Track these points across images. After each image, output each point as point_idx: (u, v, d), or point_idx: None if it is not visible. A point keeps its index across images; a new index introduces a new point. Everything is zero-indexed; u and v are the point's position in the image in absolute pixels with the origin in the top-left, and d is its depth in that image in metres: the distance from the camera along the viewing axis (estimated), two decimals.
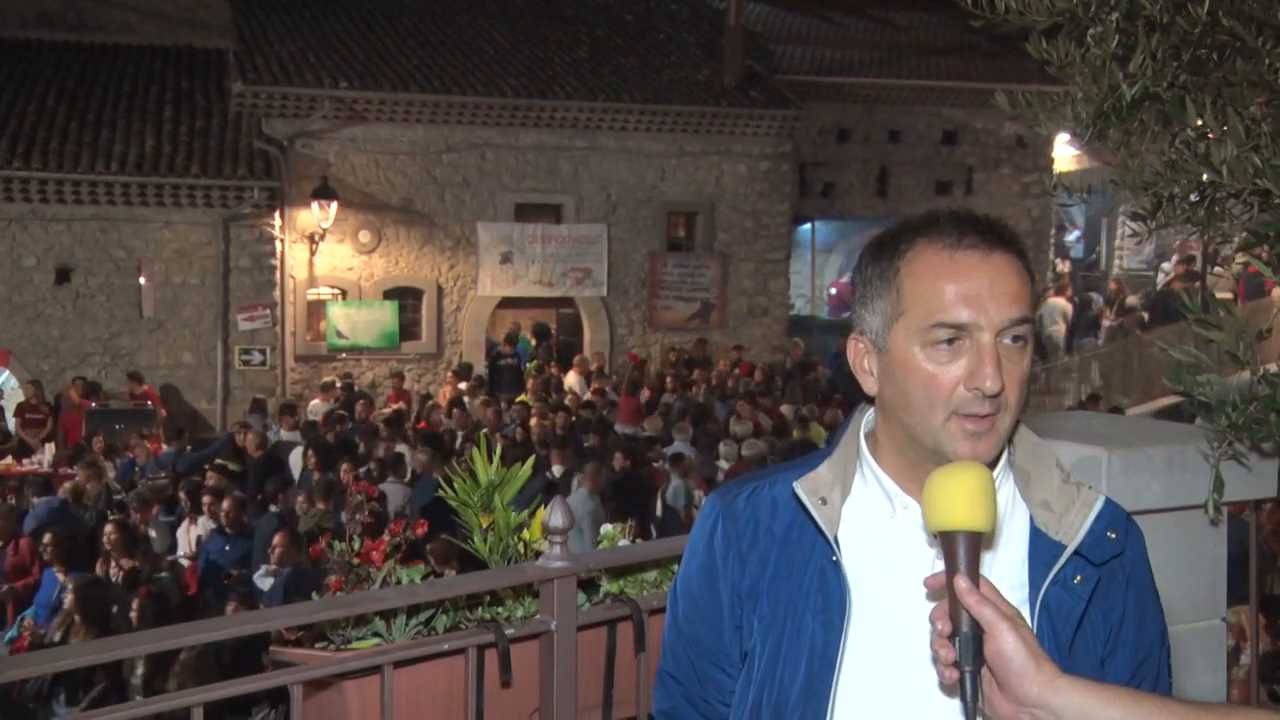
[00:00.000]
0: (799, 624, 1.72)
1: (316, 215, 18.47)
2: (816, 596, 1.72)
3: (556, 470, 12.02)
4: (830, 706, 1.68)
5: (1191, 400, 2.92)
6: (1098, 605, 1.71)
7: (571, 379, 18.23)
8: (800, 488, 1.76)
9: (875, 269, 1.72)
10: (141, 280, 17.73)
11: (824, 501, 1.74)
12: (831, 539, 1.72)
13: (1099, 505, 1.73)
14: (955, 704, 1.53)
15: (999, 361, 1.62)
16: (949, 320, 1.63)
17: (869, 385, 1.75)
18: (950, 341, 1.63)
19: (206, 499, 11.39)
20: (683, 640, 1.90)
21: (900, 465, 1.73)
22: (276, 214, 18.33)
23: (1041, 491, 1.74)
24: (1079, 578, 1.69)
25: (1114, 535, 1.72)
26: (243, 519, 10.64)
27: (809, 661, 1.70)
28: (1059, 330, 21.32)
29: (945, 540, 1.52)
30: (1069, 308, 22.05)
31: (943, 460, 1.64)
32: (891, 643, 1.68)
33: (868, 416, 1.81)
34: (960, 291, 1.63)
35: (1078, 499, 1.73)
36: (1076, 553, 1.69)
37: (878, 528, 1.73)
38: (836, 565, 1.71)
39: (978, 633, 1.47)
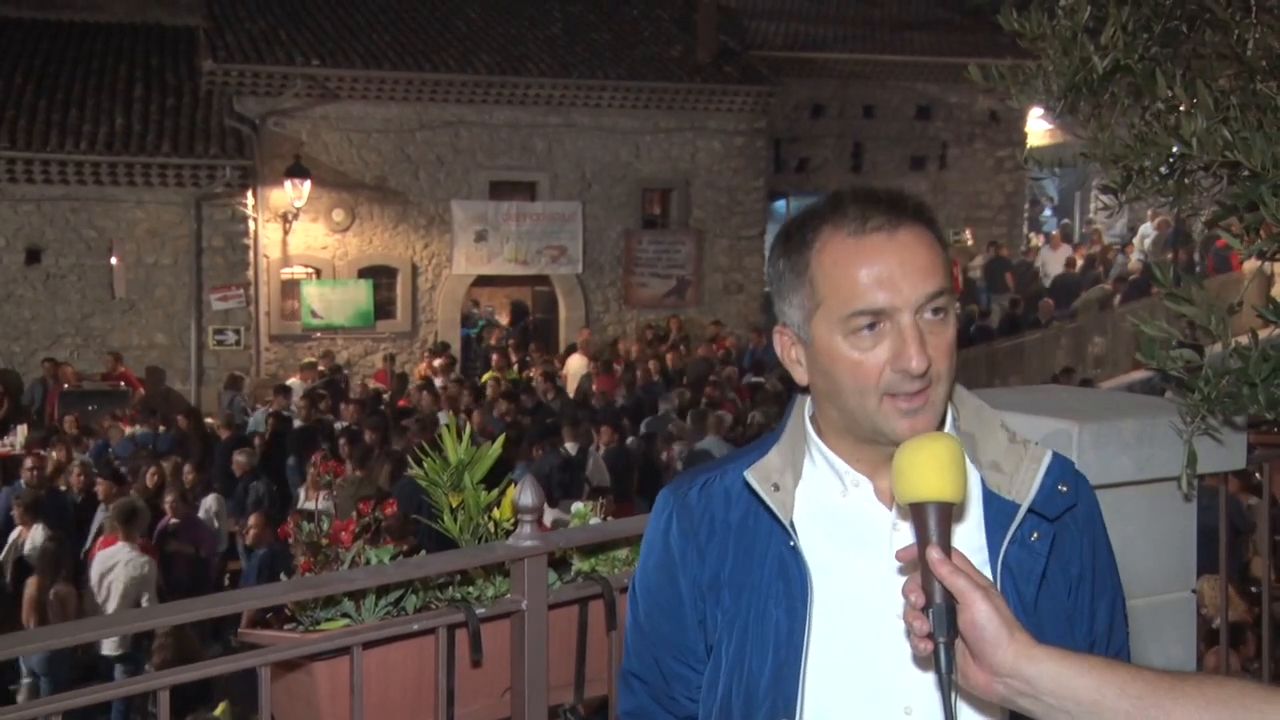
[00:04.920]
0: (762, 612, 1.72)
1: (289, 194, 18.35)
2: (778, 583, 1.71)
3: (571, 448, 11.92)
4: (800, 690, 1.67)
5: (1164, 375, 2.92)
6: (1056, 560, 1.71)
7: (576, 363, 18.01)
8: (751, 476, 1.75)
9: (787, 262, 1.71)
10: (113, 260, 17.57)
11: (776, 487, 1.73)
12: (787, 524, 1.71)
13: (1047, 460, 1.73)
14: (928, 676, 1.52)
15: (921, 339, 1.62)
16: (866, 307, 1.62)
17: (799, 376, 1.75)
18: (871, 326, 1.63)
19: None
20: (646, 639, 1.88)
21: (846, 445, 1.73)
22: (249, 193, 18.19)
23: (990, 453, 1.74)
24: (1036, 534, 1.70)
25: (1065, 489, 1.72)
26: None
27: (775, 648, 1.70)
28: None
29: (916, 512, 1.51)
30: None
31: (884, 440, 1.65)
32: (856, 621, 1.68)
33: (809, 400, 1.80)
34: (872, 275, 1.62)
35: (1026, 456, 1.73)
36: (1031, 510, 1.69)
37: (831, 508, 1.73)
38: (795, 550, 1.70)
39: (951, 604, 1.47)
